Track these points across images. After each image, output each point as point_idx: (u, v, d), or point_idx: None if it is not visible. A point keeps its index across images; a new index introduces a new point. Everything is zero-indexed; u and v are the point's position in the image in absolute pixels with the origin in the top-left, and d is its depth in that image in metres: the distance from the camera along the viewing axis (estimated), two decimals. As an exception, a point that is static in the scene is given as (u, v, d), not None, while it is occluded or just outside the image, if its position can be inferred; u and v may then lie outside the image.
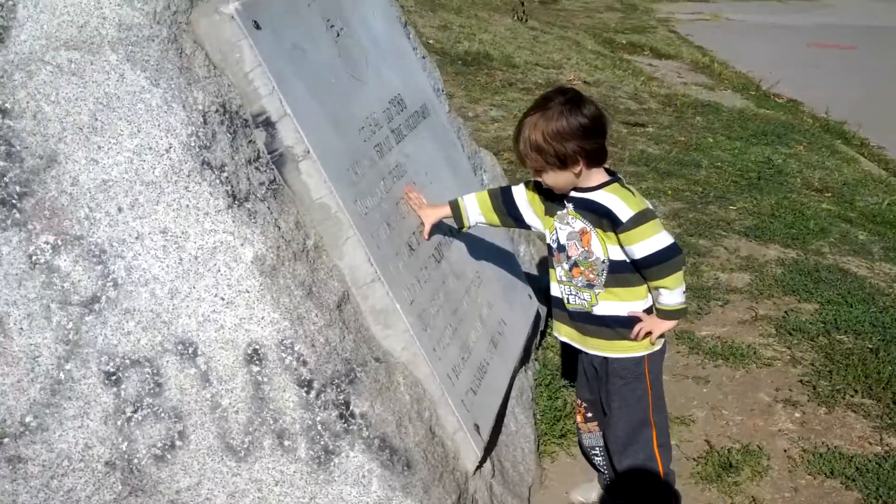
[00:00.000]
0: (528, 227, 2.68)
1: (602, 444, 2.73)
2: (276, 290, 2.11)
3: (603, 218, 2.35)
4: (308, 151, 2.28)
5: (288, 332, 2.10)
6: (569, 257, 2.47)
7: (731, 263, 4.69)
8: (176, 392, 2.09)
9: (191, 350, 2.08)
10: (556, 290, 2.58)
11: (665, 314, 2.41)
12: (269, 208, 2.18)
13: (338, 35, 2.68)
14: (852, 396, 3.40)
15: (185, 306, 2.08)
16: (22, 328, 2.06)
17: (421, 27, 10.55)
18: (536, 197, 2.56)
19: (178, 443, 2.10)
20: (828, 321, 3.98)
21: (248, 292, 2.08)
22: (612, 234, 2.35)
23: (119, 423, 2.09)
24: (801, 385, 3.49)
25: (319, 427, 2.12)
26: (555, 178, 2.37)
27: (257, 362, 2.09)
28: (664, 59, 12.90)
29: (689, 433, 3.19)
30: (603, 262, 2.40)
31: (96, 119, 2.05)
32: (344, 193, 2.34)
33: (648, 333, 2.43)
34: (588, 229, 2.40)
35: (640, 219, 2.30)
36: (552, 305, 2.64)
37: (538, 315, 3.43)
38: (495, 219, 2.66)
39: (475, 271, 2.98)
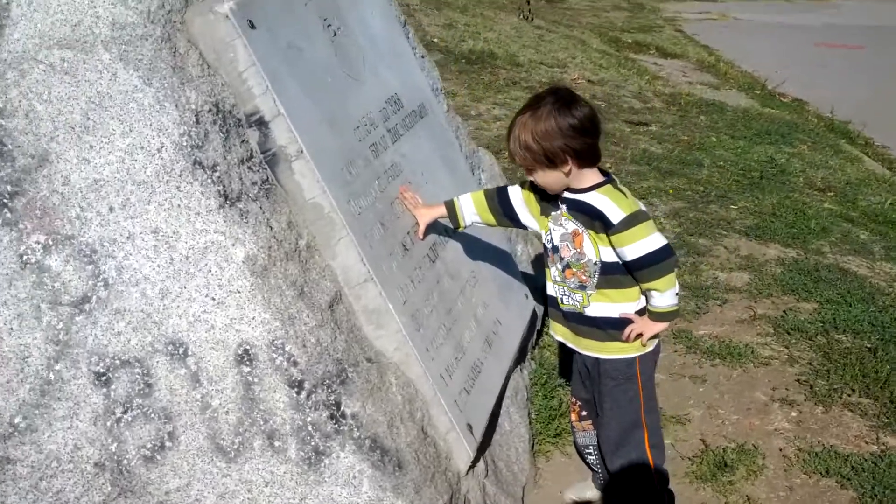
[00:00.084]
0: (524, 227, 2.68)
1: (596, 443, 2.73)
2: (267, 290, 2.11)
3: (595, 220, 2.34)
4: (301, 151, 2.28)
5: (279, 332, 2.10)
6: (562, 258, 2.47)
7: (730, 263, 4.68)
8: (166, 392, 2.09)
9: (181, 350, 2.08)
10: (551, 289, 2.58)
11: (657, 316, 2.41)
12: (261, 208, 2.18)
13: (334, 34, 2.68)
14: (849, 396, 3.40)
15: (176, 306, 2.08)
16: (12, 328, 2.06)
17: (426, 26, 10.54)
18: (532, 197, 2.56)
19: (167, 443, 2.10)
20: (826, 320, 3.97)
21: (239, 292, 2.09)
22: (604, 236, 2.35)
23: (108, 423, 2.09)
24: (798, 384, 3.48)
25: (310, 428, 2.12)
26: (545, 178, 2.37)
27: (248, 363, 2.09)
28: (670, 59, 12.87)
29: (685, 432, 3.19)
30: (595, 263, 2.39)
31: (88, 118, 2.05)
32: (337, 193, 2.34)
33: (640, 335, 2.42)
34: (580, 231, 2.39)
35: (632, 221, 2.30)
36: (548, 305, 2.65)
37: (534, 314, 3.43)
38: (491, 219, 2.66)
39: (470, 271, 2.98)
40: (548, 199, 2.49)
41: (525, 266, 3.74)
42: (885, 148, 8.86)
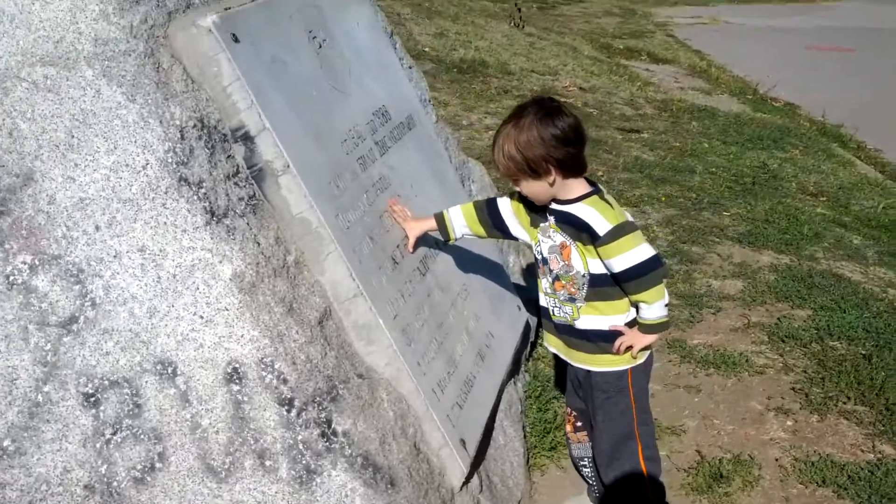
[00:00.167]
0: (514, 239, 2.66)
1: (591, 454, 2.72)
2: (255, 307, 2.09)
3: (582, 232, 2.33)
4: (288, 166, 2.26)
5: (268, 349, 2.08)
6: (551, 270, 2.45)
7: (723, 270, 4.67)
8: (155, 413, 2.07)
9: (170, 370, 2.06)
10: (543, 301, 2.57)
11: (646, 328, 2.39)
12: (248, 224, 2.16)
13: (320, 47, 2.66)
14: (845, 403, 3.38)
15: (164, 325, 2.06)
16: (0, 350, 2.04)
17: (417, 35, 10.54)
18: (522, 208, 2.54)
19: (157, 464, 2.07)
20: (821, 327, 3.96)
21: (227, 310, 2.06)
22: (591, 248, 2.33)
23: (98, 445, 2.06)
24: (793, 393, 3.47)
25: (301, 446, 2.09)
26: (530, 188, 2.36)
27: (237, 381, 2.07)
28: (661, 64, 12.90)
29: (680, 443, 3.17)
30: (583, 276, 2.38)
31: (73, 136, 2.03)
32: (325, 208, 2.32)
33: (630, 347, 2.41)
34: (568, 243, 2.38)
35: (618, 232, 2.28)
36: (541, 316, 2.63)
37: (528, 326, 3.41)
38: (481, 231, 2.64)
39: (462, 284, 2.96)
40: (536, 211, 2.48)
41: (517, 277, 3.72)
42: (877, 151, 8.88)
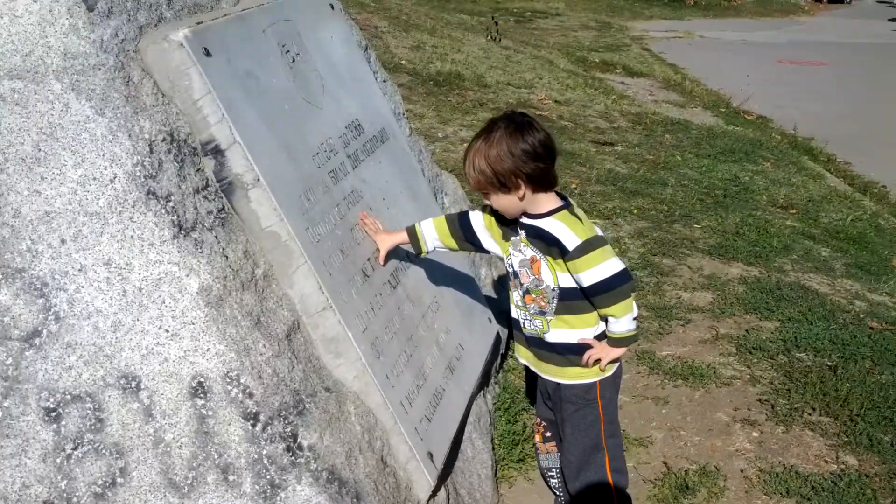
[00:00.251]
0: (486, 252, 2.68)
1: (559, 465, 2.74)
2: (222, 320, 2.09)
3: (552, 246, 2.35)
4: (258, 179, 2.26)
5: (234, 363, 2.08)
6: (521, 284, 2.48)
7: (693, 282, 4.72)
8: (118, 427, 2.06)
9: (134, 384, 2.05)
10: (514, 313, 2.60)
11: (615, 342, 2.42)
12: (216, 238, 2.17)
13: (293, 61, 2.67)
14: (810, 415, 3.43)
15: (129, 339, 2.05)
16: (-39, 364, 2.03)
17: (394, 48, 10.58)
18: (494, 222, 2.56)
19: (119, 479, 2.06)
20: (788, 339, 4.01)
21: (193, 324, 2.06)
22: (561, 262, 2.36)
23: (59, 460, 2.05)
24: (759, 404, 3.51)
25: (266, 461, 2.09)
26: (500, 202, 2.38)
27: (202, 395, 2.06)
28: (636, 77, 13.01)
29: (647, 455, 3.20)
30: (553, 289, 2.40)
31: (40, 149, 2.03)
32: (295, 221, 2.33)
33: (598, 360, 2.43)
34: (538, 257, 2.40)
35: (587, 247, 2.31)
36: (513, 328, 2.65)
37: (498, 338, 3.43)
38: (453, 244, 2.66)
39: (433, 296, 2.97)
40: (508, 224, 2.50)
41: (489, 290, 3.74)
42: (846, 164, 9.01)
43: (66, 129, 2.03)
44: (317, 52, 2.86)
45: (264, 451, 2.08)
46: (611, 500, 2.57)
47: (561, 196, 2.45)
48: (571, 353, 2.46)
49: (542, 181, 2.35)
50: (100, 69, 2.08)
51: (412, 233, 2.67)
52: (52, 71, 2.04)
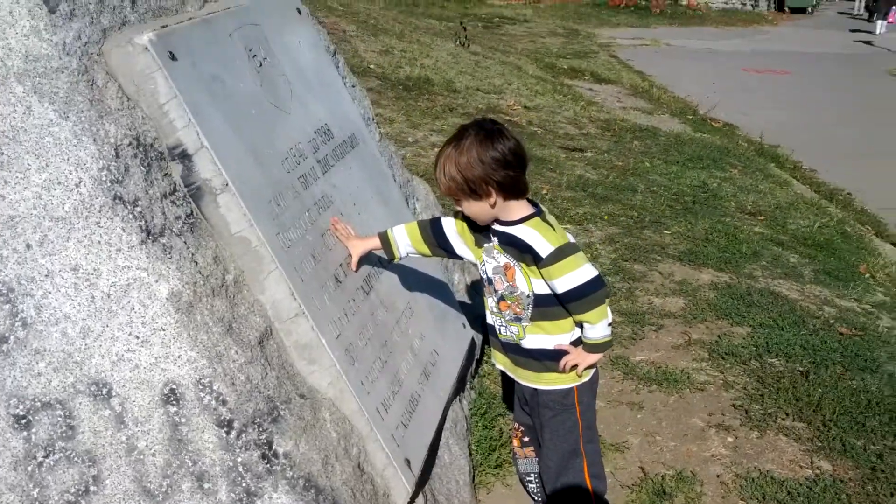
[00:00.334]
0: (459, 258, 2.66)
1: (537, 470, 2.72)
2: (193, 327, 2.04)
3: (525, 253, 2.34)
4: (227, 184, 2.22)
5: (206, 370, 2.03)
6: (496, 290, 2.46)
7: (665, 288, 4.73)
8: (90, 435, 2.01)
9: (105, 391, 2.00)
10: (489, 319, 2.58)
11: (590, 347, 2.41)
12: (185, 243, 2.12)
13: (260, 65, 2.64)
14: (783, 420, 3.43)
15: (98, 346, 2.00)
16: (-76, 373, 1.96)
17: (362, 52, 10.55)
18: (466, 228, 2.54)
19: (92, 487, 2.01)
20: (759, 344, 4.03)
21: (163, 330, 2.02)
22: (535, 269, 2.34)
23: (30, 468, 2.00)
24: (733, 409, 3.52)
25: (241, 468, 2.05)
26: (471, 208, 2.37)
27: (174, 402, 2.02)
28: (604, 84, 13.10)
29: (624, 460, 3.18)
30: (528, 296, 2.39)
31: (2, 153, 1.97)
32: (265, 226, 2.29)
33: (575, 366, 2.42)
34: (512, 264, 2.39)
35: (560, 254, 2.30)
36: (489, 334, 2.63)
37: (473, 344, 3.41)
38: (426, 250, 2.63)
39: (406, 302, 2.94)
40: (480, 231, 2.48)
41: (462, 295, 3.72)
42: (812, 171, 9.12)
43: (29, 133, 1.98)
44: (284, 56, 2.82)
45: (239, 459, 2.04)
46: (589, 504, 2.55)
47: (532, 203, 2.43)
48: (548, 359, 2.44)
49: (513, 189, 2.33)
50: (63, 72, 2.03)
51: (384, 239, 2.64)
52: (14, 73, 1.99)
